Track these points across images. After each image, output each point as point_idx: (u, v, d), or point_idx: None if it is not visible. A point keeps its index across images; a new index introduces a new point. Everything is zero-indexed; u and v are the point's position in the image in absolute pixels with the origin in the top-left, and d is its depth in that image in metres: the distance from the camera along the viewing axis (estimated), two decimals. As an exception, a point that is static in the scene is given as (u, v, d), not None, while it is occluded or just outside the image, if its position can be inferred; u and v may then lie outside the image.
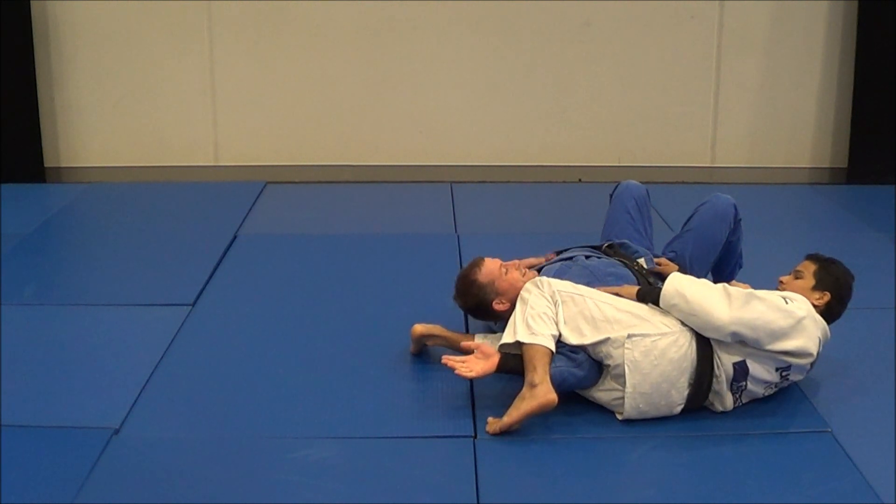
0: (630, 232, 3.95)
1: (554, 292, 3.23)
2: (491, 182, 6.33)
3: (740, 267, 4.10)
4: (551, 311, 3.20)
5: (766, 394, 3.28)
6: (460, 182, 6.19)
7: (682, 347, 3.16)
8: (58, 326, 3.99)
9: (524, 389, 3.10)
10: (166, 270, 4.60)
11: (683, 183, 6.21)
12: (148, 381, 3.46)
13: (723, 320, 3.12)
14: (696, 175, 6.43)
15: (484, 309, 3.56)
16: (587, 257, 3.72)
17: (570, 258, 3.73)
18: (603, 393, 3.21)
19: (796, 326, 3.16)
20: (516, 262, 3.63)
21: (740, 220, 3.93)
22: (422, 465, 2.95)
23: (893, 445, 3.04)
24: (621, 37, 6.41)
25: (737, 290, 3.19)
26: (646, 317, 3.21)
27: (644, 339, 3.14)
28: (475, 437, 3.10)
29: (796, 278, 3.47)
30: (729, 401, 3.22)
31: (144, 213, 5.59)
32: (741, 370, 3.18)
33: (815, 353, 3.24)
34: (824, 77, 6.47)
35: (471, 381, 3.41)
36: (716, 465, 2.96)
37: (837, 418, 3.21)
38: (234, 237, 5.05)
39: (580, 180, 6.35)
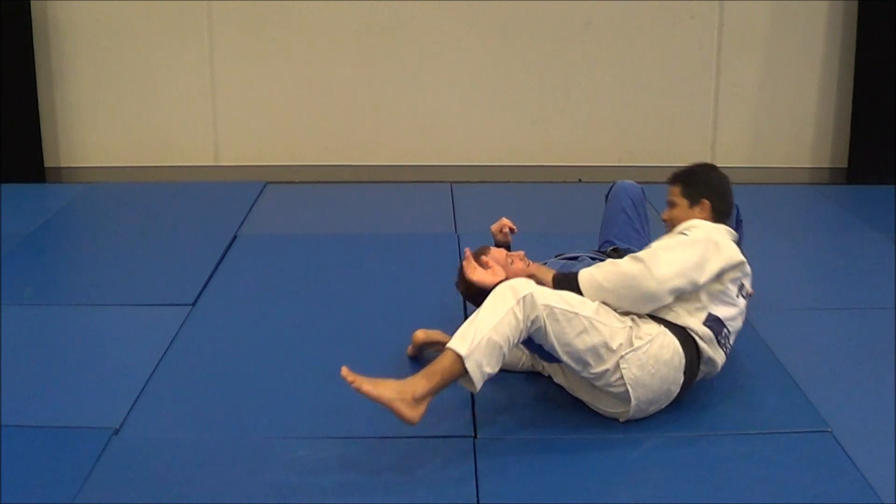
0: (628, 231, 3.96)
1: (538, 316, 2.93)
2: (491, 182, 6.33)
3: None
4: (512, 340, 2.92)
5: (743, 320, 3.31)
6: (460, 182, 6.19)
7: (668, 346, 3.12)
8: (58, 326, 3.99)
9: (406, 385, 2.82)
10: (166, 270, 4.60)
11: (683, 183, 6.20)
12: (148, 381, 3.46)
13: (652, 286, 3.07)
14: (696, 175, 6.43)
15: (485, 296, 3.56)
16: (592, 258, 3.72)
17: (576, 257, 3.74)
18: (605, 408, 3.20)
19: (710, 247, 3.17)
20: (521, 253, 3.62)
21: (742, 220, 3.93)
22: (422, 465, 2.95)
23: (893, 445, 3.04)
24: (621, 37, 6.41)
25: (642, 253, 3.17)
26: (628, 326, 3.13)
27: (635, 352, 3.08)
28: (475, 437, 3.10)
29: (672, 208, 3.47)
30: (720, 355, 3.23)
31: (144, 213, 5.59)
32: (715, 322, 3.18)
33: (743, 258, 3.25)
34: (824, 77, 6.48)
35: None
36: (716, 465, 2.96)
37: (837, 418, 3.20)
38: (234, 237, 5.05)
39: (580, 180, 6.35)
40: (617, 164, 6.49)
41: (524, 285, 2.97)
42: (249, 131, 6.57)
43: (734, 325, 3.27)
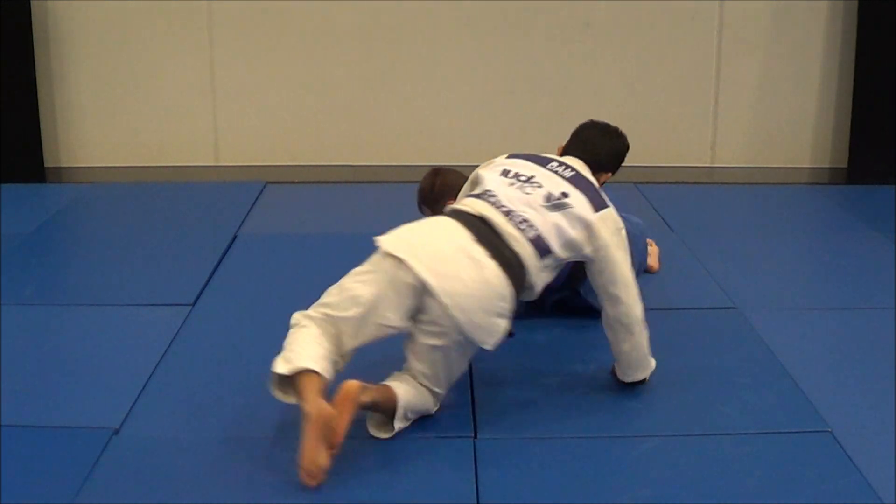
0: None
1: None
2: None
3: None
4: (334, 348, 2.99)
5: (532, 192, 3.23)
6: (460, 182, 6.19)
7: None
8: (58, 326, 3.99)
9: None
10: (166, 270, 4.60)
11: (683, 183, 6.21)
12: (148, 381, 3.45)
13: None
14: (696, 175, 6.44)
15: (435, 196, 3.73)
16: None
17: None
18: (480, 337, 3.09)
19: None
20: None
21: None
22: (422, 465, 2.95)
23: (893, 445, 3.04)
24: (621, 37, 6.41)
25: None
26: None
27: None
28: (475, 437, 3.10)
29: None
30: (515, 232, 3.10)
31: (144, 213, 5.59)
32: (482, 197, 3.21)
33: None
34: (824, 77, 6.48)
35: (470, 381, 3.42)
36: (715, 465, 2.96)
37: (837, 418, 3.20)
38: (234, 237, 5.05)
39: (580, 180, 6.35)
40: (617, 164, 6.49)
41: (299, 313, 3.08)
42: (249, 131, 6.57)
43: (510, 194, 3.18)
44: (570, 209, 3.18)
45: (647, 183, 6.03)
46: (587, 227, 3.17)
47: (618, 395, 3.37)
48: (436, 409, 3.16)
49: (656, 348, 3.77)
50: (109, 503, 2.76)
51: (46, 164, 6.39)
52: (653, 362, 3.35)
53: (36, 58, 6.23)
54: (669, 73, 6.45)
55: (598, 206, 3.23)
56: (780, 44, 6.44)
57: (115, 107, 6.48)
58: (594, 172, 3.42)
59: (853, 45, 6.29)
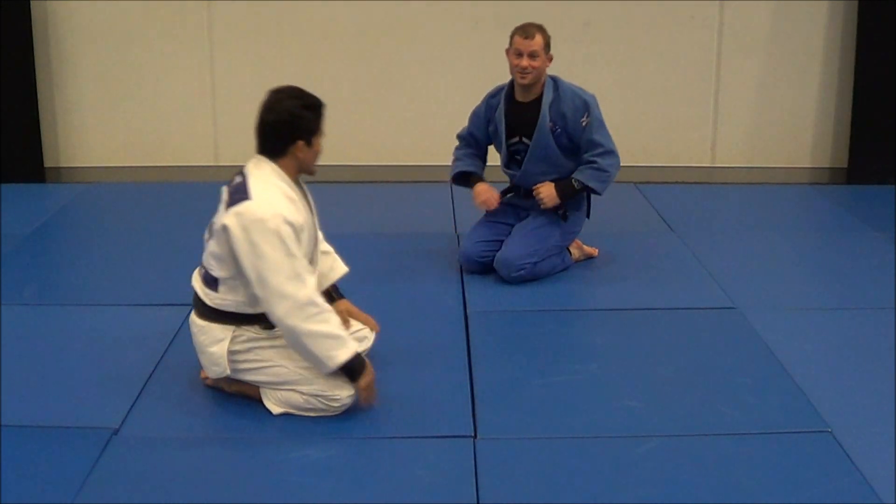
0: None
1: None
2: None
3: None
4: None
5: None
6: (460, 182, 6.18)
7: None
8: (58, 326, 3.99)
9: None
10: (166, 270, 4.60)
11: (683, 183, 6.21)
12: (148, 381, 3.46)
13: None
14: (696, 175, 6.44)
15: None
16: None
17: None
18: None
19: None
20: None
21: None
22: (422, 465, 2.95)
23: (893, 445, 3.04)
24: (621, 37, 6.41)
25: None
26: None
27: None
28: (475, 437, 3.10)
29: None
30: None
31: (144, 213, 5.59)
32: None
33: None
34: (824, 77, 6.48)
35: (471, 381, 3.42)
36: (716, 465, 2.96)
37: (837, 418, 3.21)
38: (234, 237, 5.05)
39: (580, 180, 6.35)
40: (617, 164, 6.49)
41: None
42: (249, 131, 6.52)
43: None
44: (214, 226, 3.28)
45: (647, 183, 6.03)
46: (225, 232, 3.21)
47: (618, 395, 3.37)
48: (328, 407, 3.17)
49: (657, 348, 3.78)
50: (109, 503, 2.76)
51: (46, 164, 6.39)
52: (340, 354, 3.10)
53: (36, 58, 6.23)
54: (669, 73, 6.45)
55: (236, 202, 3.24)
56: (780, 44, 6.43)
57: (115, 107, 6.47)
58: (279, 156, 3.39)
59: (853, 45, 6.29)
